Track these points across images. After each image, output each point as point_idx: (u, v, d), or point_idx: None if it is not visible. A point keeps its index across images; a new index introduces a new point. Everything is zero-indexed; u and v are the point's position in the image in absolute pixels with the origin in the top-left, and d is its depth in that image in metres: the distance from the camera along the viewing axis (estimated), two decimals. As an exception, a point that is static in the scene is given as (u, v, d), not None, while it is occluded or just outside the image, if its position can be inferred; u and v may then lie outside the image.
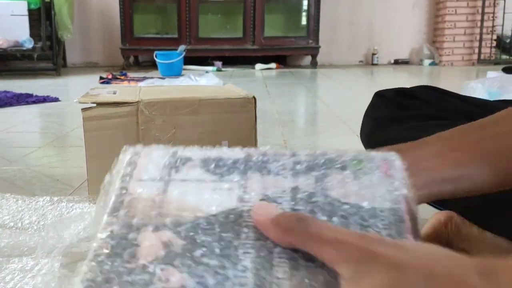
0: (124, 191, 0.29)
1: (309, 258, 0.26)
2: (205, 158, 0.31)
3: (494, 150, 0.38)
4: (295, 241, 0.26)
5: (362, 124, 0.81)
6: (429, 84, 0.86)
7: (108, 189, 0.31)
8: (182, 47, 4.04)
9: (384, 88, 0.85)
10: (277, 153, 0.32)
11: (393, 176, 0.29)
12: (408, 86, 0.85)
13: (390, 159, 0.31)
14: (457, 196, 0.39)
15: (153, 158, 0.31)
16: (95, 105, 0.94)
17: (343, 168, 0.30)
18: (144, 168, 0.31)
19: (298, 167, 0.30)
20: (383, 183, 0.29)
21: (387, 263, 0.24)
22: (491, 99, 0.87)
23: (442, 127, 0.44)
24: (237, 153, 0.32)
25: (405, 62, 5.37)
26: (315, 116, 2.24)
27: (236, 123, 0.98)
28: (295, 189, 0.29)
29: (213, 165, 0.31)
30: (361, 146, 0.77)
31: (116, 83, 3.35)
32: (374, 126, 0.76)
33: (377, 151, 0.32)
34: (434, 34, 5.36)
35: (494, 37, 5.11)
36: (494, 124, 0.40)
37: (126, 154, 0.32)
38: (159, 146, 0.32)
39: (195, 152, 0.32)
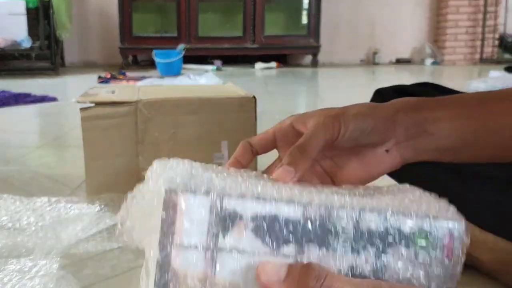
0: (165, 268, 0.27)
1: None
2: (257, 215, 0.28)
3: (502, 126, 0.39)
4: None
5: None
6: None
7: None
8: (181, 46, 4.03)
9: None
10: (339, 212, 0.29)
11: (454, 259, 0.30)
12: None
13: (456, 234, 0.31)
14: (452, 162, 0.40)
15: (194, 211, 0.28)
16: (93, 104, 0.93)
17: (407, 245, 0.30)
18: (186, 226, 0.28)
19: (360, 237, 0.30)
20: (442, 273, 0.30)
21: None
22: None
23: None
24: (293, 211, 0.29)
25: (406, 61, 5.36)
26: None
27: (236, 123, 0.97)
28: (352, 270, 0.30)
29: (266, 235, 0.28)
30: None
31: (115, 83, 3.34)
32: None
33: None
34: (436, 33, 5.36)
35: (497, 36, 5.11)
36: (510, 98, 0.40)
37: (160, 186, 0.28)
38: (200, 185, 0.28)
39: (245, 204, 0.28)
